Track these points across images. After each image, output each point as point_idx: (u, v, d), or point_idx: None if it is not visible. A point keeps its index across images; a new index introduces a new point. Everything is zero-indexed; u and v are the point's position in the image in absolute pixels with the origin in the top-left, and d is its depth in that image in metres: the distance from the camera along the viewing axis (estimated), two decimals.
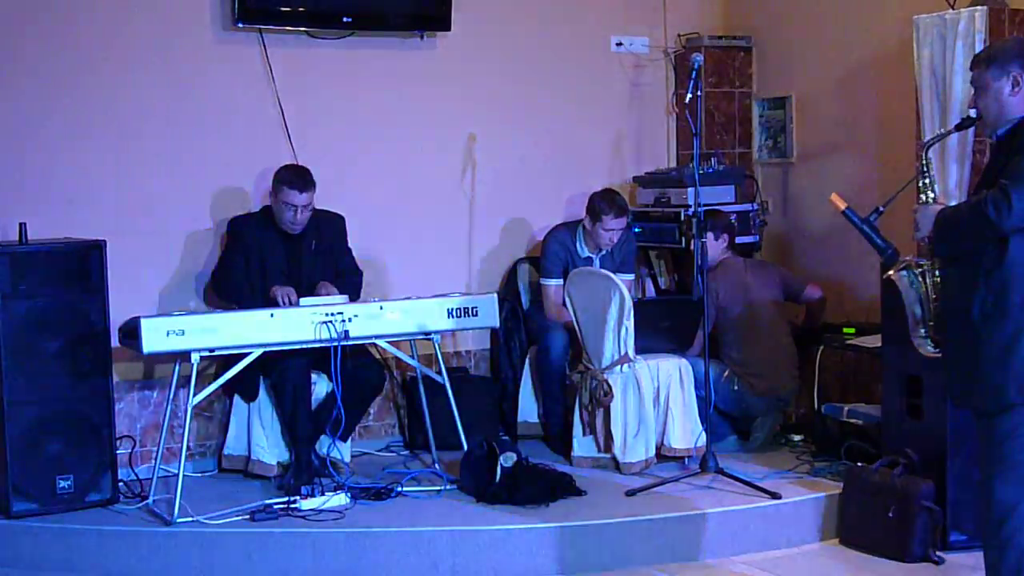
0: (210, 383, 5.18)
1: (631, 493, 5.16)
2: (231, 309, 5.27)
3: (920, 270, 3.95)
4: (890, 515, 4.80)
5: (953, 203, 4.04)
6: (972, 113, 3.85)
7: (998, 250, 3.57)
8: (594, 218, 5.90)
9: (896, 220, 4.49)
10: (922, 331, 3.94)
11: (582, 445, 5.63)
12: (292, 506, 4.96)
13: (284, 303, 5.28)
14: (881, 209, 4.07)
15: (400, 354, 5.55)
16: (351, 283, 5.61)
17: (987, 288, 3.59)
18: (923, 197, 3.87)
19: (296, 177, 5.47)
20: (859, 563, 4.82)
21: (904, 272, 3.96)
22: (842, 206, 4.11)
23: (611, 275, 5.59)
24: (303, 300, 5.22)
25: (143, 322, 4.84)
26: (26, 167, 5.44)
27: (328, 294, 5.36)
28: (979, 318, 3.60)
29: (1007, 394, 3.58)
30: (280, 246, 5.55)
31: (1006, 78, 3.67)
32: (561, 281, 5.90)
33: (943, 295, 3.84)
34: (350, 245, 5.76)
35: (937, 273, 3.91)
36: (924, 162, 3.92)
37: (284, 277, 5.50)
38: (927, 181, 3.88)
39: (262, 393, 5.43)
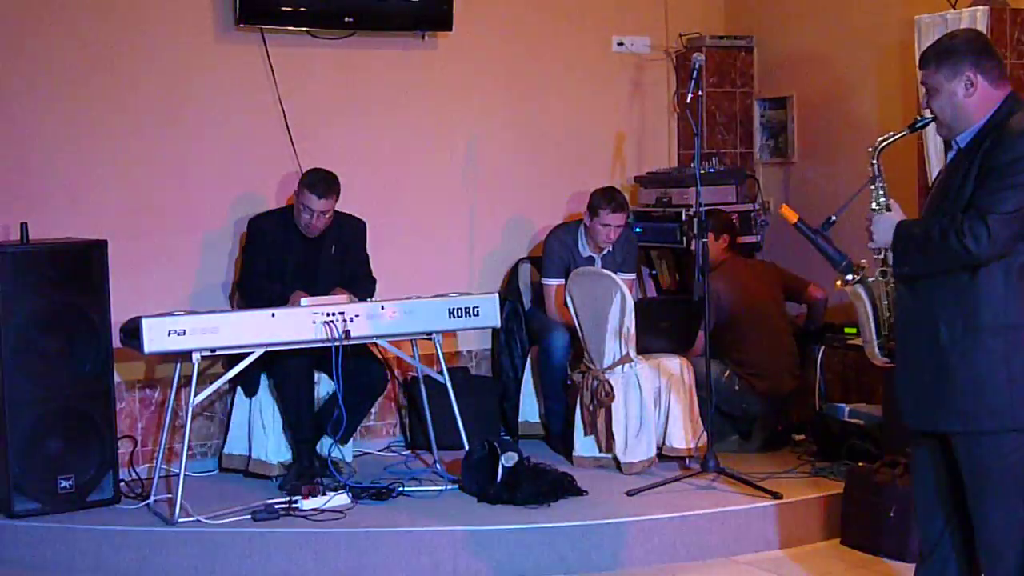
0: (211, 383, 5.17)
1: (632, 493, 5.16)
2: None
3: (874, 280, 3.67)
4: (891, 515, 4.79)
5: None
6: (927, 113, 3.59)
7: (968, 273, 3.37)
8: (592, 214, 5.89)
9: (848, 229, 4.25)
10: (875, 340, 3.68)
11: (583, 445, 5.63)
12: (293, 506, 4.95)
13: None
14: (833, 219, 3.81)
15: (401, 354, 5.55)
16: (364, 289, 5.58)
17: (957, 311, 3.39)
18: (875, 205, 3.57)
19: (318, 181, 5.42)
20: (859, 563, 4.81)
21: (859, 287, 3.68)
22: (793, 219, 3.91)
23: (612, 275, 5.60)
24: (303, 300, 5.21)
25: (144, 322, 4.83)
26: (28, 167, 5.44)
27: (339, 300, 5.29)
28: (948, 341, 3.40)
29: (979, 421, 3.39)
30: (299, 245, 5.53)
31: (959, 80, 3.41)
32: (562, 281, 5.90)
33: (900, 310, 3.60)
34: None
35: (892, 285, 3.65)
36: (876, 166, 3.61)
37: (301, 277, 5.48)
38: (880, 188, 3.58)
39: (264, 392, 5.44)
